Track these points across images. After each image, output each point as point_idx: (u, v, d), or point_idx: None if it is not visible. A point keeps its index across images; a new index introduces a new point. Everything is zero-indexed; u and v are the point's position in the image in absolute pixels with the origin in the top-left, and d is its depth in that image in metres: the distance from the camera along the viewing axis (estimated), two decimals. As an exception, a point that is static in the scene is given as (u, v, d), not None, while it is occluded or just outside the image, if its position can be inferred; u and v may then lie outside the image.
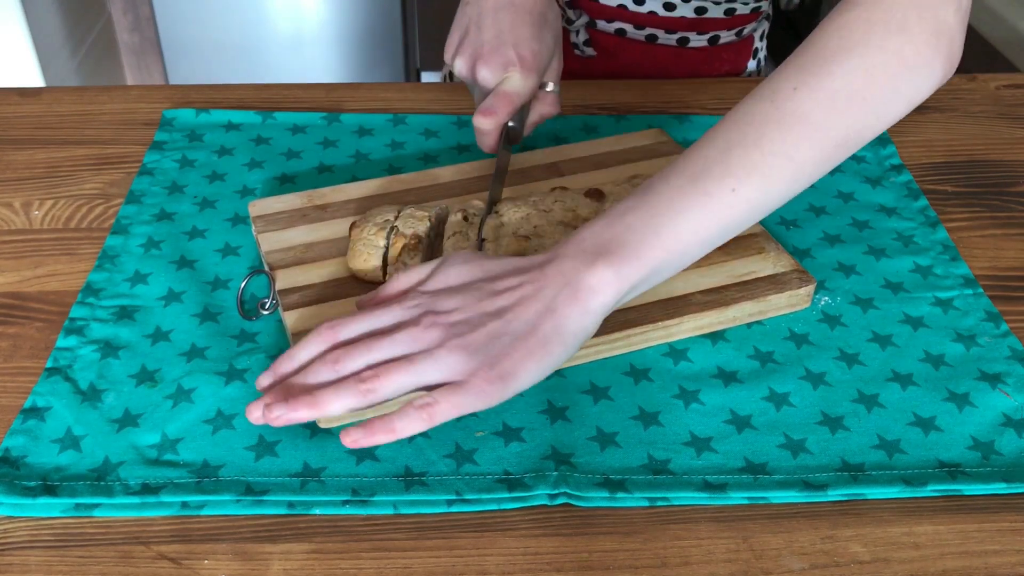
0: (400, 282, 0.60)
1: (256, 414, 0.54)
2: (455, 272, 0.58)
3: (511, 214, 0.69)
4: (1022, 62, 1.58)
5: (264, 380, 0.57)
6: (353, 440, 0.53)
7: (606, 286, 0.55)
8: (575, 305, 0.55)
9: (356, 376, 0.54)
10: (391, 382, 0.53)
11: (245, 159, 0.84)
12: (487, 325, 0.54)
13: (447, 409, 0.53)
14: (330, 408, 0.54)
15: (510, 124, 0.76)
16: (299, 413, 0.54)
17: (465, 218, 0.68)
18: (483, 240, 0.68)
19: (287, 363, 0.57)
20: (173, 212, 0.77)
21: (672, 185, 0.57)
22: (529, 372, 0.54)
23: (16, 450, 0.58)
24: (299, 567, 0.52)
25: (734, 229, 0.58)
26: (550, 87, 0.80)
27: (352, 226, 0.69)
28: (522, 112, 0.77)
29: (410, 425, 0.53)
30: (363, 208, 0.74)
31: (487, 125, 0.74)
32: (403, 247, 0.66)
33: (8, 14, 2.02)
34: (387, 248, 0.67)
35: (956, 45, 0.60)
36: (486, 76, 0.75)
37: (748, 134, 0.57)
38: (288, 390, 0.55)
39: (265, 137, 0.87)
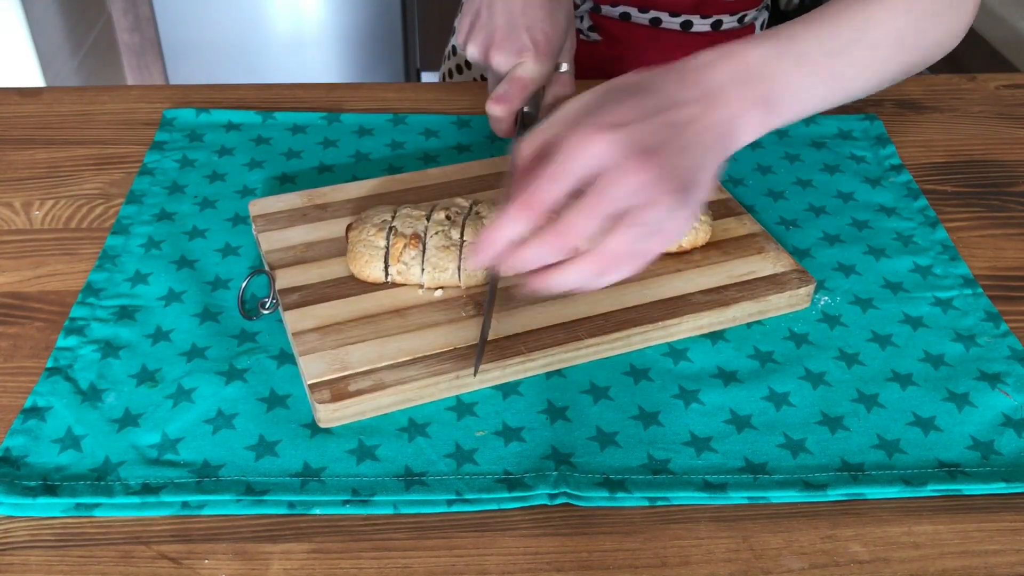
0: (558, 118, 0.56)
1: (534, 278, 0.54)
2: (620, 92, 0.57)
3: (492, 214, 0.69)
4: (1022, 62, 1.58)
5: (475, 262, 0.54)
6: (602, 281, 0.53)
7: (753, 132, 0.59)
8: (731, 141, 0.57)
9: (594, 254, 0.53)
10: (626, 243, 0.53)
11: (245, 159, 0.84)
12: (690, 154, 0.54)
13: (656, 247, 0.54)
14: (611, 275, 0.54)
15: (525, 109, 0.75)
16: (547, 282, 0.54)
17: (448, 217, 0.68)
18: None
19: (493, 241, 0.54)
20: (173, 212, 0.77)
21: (816, 53, 0.61)
22: (708, 190, 0.56)
23: (16, 450, 0.58)
24: (299, 567, 0.52)
25: (854, 93, 0.65)
26: (564, 68, 0.78)
27: (349, 228, 0.69)
28: (537, 95, 0.76)
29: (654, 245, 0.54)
30: (363, 208, 0.74)
31: (501, 112, 0.73)
32: (403, 246, 0.67)
33: (8, 14, 2.02)
34: (387, 248, 0.67)
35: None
36: (500, 62, 0.75)
37: (877, 19, 0.63)
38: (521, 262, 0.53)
39: (265, 137, 0.87)
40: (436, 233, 0.67)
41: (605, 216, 0.52)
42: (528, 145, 0.56)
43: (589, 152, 0.52)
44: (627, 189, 0.52)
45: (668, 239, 0.54)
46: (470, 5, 0.78)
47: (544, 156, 0.54)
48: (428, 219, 0.68)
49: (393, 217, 0.68)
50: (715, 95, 0.57)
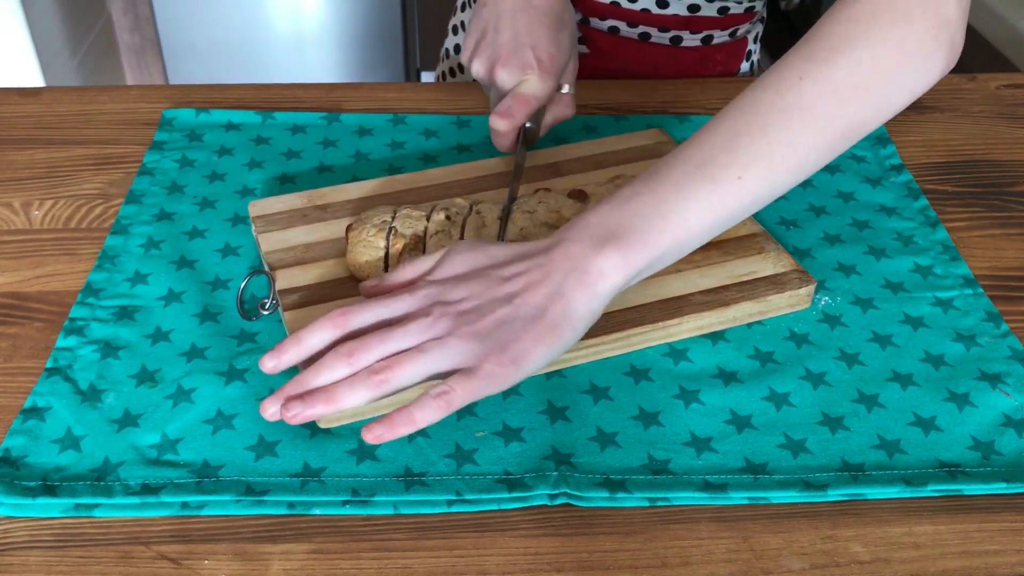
0: (406, 272, 0.60)
1: (272, 410, 0.55)
2: (461, 260, 0.59)
3: (493, 215, 0.69)
4: (1022, 62, 1.58)
5: (269, 362, 0.57)
6: (376, 436, 0.53)
7: (614, 270, 0.56)
8: (583, 289, 0.56)
9: (368, 368, 0.54)
10: (404, 372, 0.54)
11: (245, 159, 0.84)
12: (496, 311, 0.55)
13: (463, 395, 0.54)
14: (346, 402, 0.54)
15: (527, 125, 0.77)
16: (316, 409, 0.54)
17: (447, 217, 0.68)
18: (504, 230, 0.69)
19: (294, 347, 0.57)
20: (173, 212, 0.77)
21: (678, 172, 0.58)
22: (540, 355, 0.55)
23: (16, 450, 0.58)
24: (299, 567, 0.52)
25: (738, 216, 0.59)
26: (566, 89, 0.80)
27: (348, 228, 0.69)
28: (538, 113, 0.77)
29: (429, 414, 0.53)
30: (363, 208, 0.74)
31: (505, 127, 0.75)
32: (404, 247, 0.66)
33: (8, 14, 2.02)
34: (387, 249, 0.67)
35: (958, 38, 0.61)
36: (504, 78, 0.76)
37: (753, 123, 0.58)
38: (300, 386, 0.55)
39: (265, 137, 0.87)
40: (436, 234, 0.67)
41: (390, 342, 0.55)
42: (374, 283, 0.61)
43: (402, 299, 0.57)
44: (411, 326, 0.55)
45: (470, 376, 0.54)
46: (476, 24, 0.79)
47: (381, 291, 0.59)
48: (428, 220, 0.68)
49: (393, 218, 0.68)
50: (549, 260, 0.57)
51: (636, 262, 0.56)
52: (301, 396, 0.54)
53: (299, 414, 0.54)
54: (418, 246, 0.67)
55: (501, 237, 0.68)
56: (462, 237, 0.67)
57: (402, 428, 0.53)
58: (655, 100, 0.93)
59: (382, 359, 0.55)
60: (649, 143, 0.83)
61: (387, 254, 0.67)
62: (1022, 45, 1.62)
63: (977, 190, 0.82)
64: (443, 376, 0.55)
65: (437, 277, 0.58)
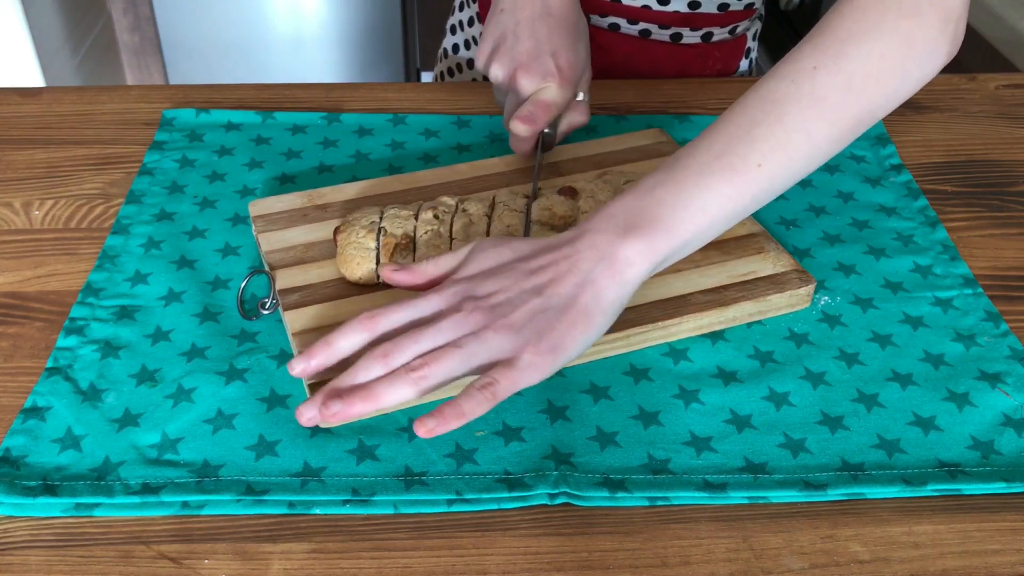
0: (428, 268, 0.61)
1: (310, 414, 0.55)
2: (486, 256, 0.59)
3: (480, 212, 0.69)
4: (1022, 62, 1.58)
5: (297, 366, 0.57)
6: (429, 429, 0.53)
7: (639, 257, 0.57)
8: (612, 277, 0.57)
9: (406, 367, 0.55)
10: (442, 368, 0.54)
11: (245, 159, 0.84)
12: (529, 303, 0.56)
13: (506, 385, 0.54)
14: (386, 400, 0.54)
15: (545, 131, 0.78)
16: (355, 408, 0.54)
17: (436, 216, 0.68)
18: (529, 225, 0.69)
19: (323, 351, 0.57)
20: (173, 212, 0.77)
21: (698, 161, 0.59)
22: (576, 342, 0.56)
23: (16, 450, 0.58)
24: (299, 567, 0.52)
25: (758, 203, 0.60)
26: (581, 96, 0.81)
27: (336, 231, 0.69)
28: (555, 119, 0.79)
29: (477, 407, 0.54)
30: (363, 208, 0.74)
31: (527, 132, 0.75)
32: (395, 247, 0.66)
33: (8, 14, 2.01)
34: (378, 250, 0.67)
35: (960, 29, 0.63)
36: (526, 85, 0.77)
37: (770, 112, 0.59)
38: (338, 388, 0.55)
39: (265, 137, 0.87)
40: (426, 232, 0.67)
41: (424, 340, 0.55)
42: (396, 269, 0.62)
43: (432, 299, 0.57)
44: (444, 323, 0.55)
45: (513, 368, 0.54)
46: (492, 30, 0.80)
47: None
48: (416, 219, 0.68)
49: (381, 218, 0.68)
50: (574, 252, 0.57)
51: (661, 249, 0.57)
52: (339, 394, 0.55)
53: (339, 412, 0.54)
54: (409, 246, 0.67)
55: (526, 233, 0.68)
56: (451, 235, 0.67)
57: (453, 421, 0.53)
58: (655, 100, 0.93)
59: (418, 356, 0.55)
60: (649, 143, 0.83)
61: (378, 255, 0.67)
62: (1022, 45, 1.62)
63: (977, 190, 0.82)
64: (478, 371, 0.55)
65: (464, 275, 0.59)
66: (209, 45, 2.62)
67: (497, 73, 0.79)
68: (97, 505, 0.55)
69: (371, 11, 2.60)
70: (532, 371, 0.55)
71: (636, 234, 0.57)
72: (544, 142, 0.78)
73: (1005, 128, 0.91)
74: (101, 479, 0.56)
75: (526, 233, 0.69)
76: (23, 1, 2.02)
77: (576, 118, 0.81)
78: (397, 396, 0.54)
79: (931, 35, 0.61)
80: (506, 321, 0.55)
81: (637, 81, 0.97)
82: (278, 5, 2.57)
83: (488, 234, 0.68)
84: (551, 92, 0.77)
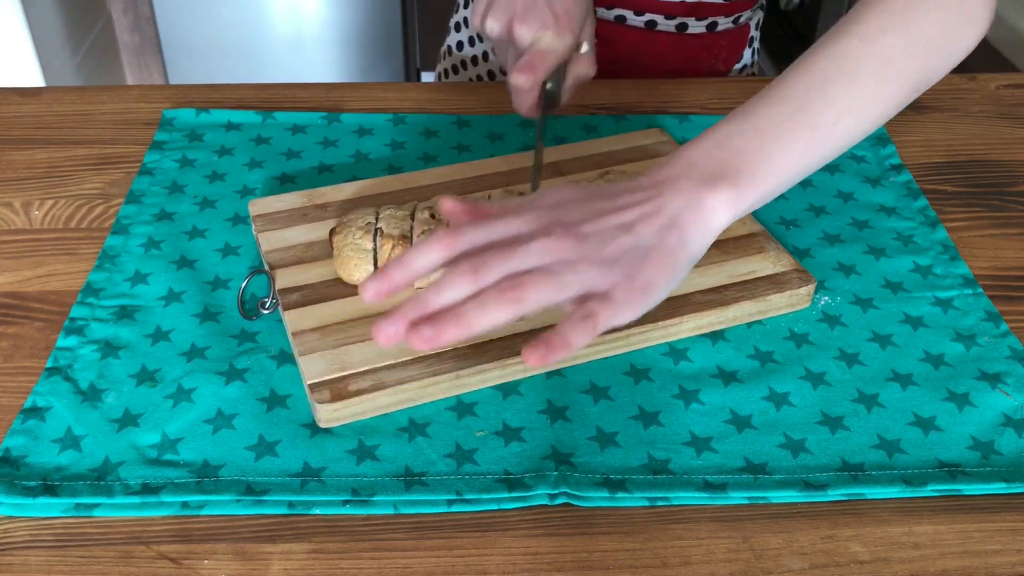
0: (495, 206, 0.57)
1: (391, 330, 0.50)
2: (563, 192, 0.57)
3: None
4: (1022, 62, 1.58)
5: (371, 287, 0.52)
6: (541, 356, 0.50)
7: (724, 207, 0.56)
8: (697, 223, 0.56)
9: (496, 287, 0.51)
10: (537, 293, 0.51)
11: (245, 159, 0.84)
12: (619, 239, 0.54)
13: (604, 320, 0.52)
14: (479, 325, 0.50)
15: (548, 86, 0.74)
16: (447, 335, 0.50)
17: (432, 216, 0.68)
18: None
19: (399, 270, 0.52)
20: (173, 212, 0.77)
21: (777, 113, 0.59)
22: (663, 284, 0.54)
23: (16, 450, 0.58)
24: (299, 567, 0.52)
25: (828, 159, 0.61)
26: (585, 48, 0.78)
27: (332, 232, 0.68)
28: (558, 75, 0.76)
29: (581, 337, 0.51)
30: (363, 208, 0.74)
31: (526, 82, 0.73)
32: (392, 247, 0.66)
33: (8, 14, 2.01)
34: (375, 251, 0.67)
35: (995, 5, 0.67)
36: (523, 34, 0.74)
37: (844, 69, 0.60)
38: (420, 307, 0.51)
39: (265, 137, 0.87)
40: (423, 232, 0.67)
41: (514, 260, 0.52)
42: (458, 203, 0.57)
43: (514, 219, 0.54)
44: (534, 246, 0.52)
45: (609, 302, 0.52)
46: None
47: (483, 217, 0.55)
48: (412, 219, 0.68)
49: (377, 219, 0.68)
50: (659, 194, 0.56)
51: (745, 201, 0.57)
52: (428, 319, 0.50)
53: (432, 337, 0.49)
54: (406, 246, 0.67)
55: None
56: None
57: (561, 350, 0.50)
58: (655, 100, 0.93)
59: (507, 278, 0.51)
60: (649, 143, 0.83)
61: (375, 255, 0.66)
62: (1022, 45, 1.62)
63: (977, 190, 0.82)
64: (566, 304, 0.53)
65: (544, 203, 0.55)
66: (209, 45, 2.62)
67: (493, 27, 0.76)
68: (97, 505, 0.55)
69: (371, 11, 2.60)
70: (626, 309, 0.53)
71: (723, 184, 0.56)
72: (548, 99, 0.75)
73: (1005, 128, 0.91)
74: (101, 479, 0.56)
75: None
76: (23, 1, 2.02)
77: (582, 70, 0.78)
78: (491, 319, 0.50)
79: (979, 8, 0.64)
80: (600, 256, 0.53)
81: (637, 81, 0.97)
82: (278, 5, 2.57)
83: None
84: (548, 40, 0.74)
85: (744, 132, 0.58)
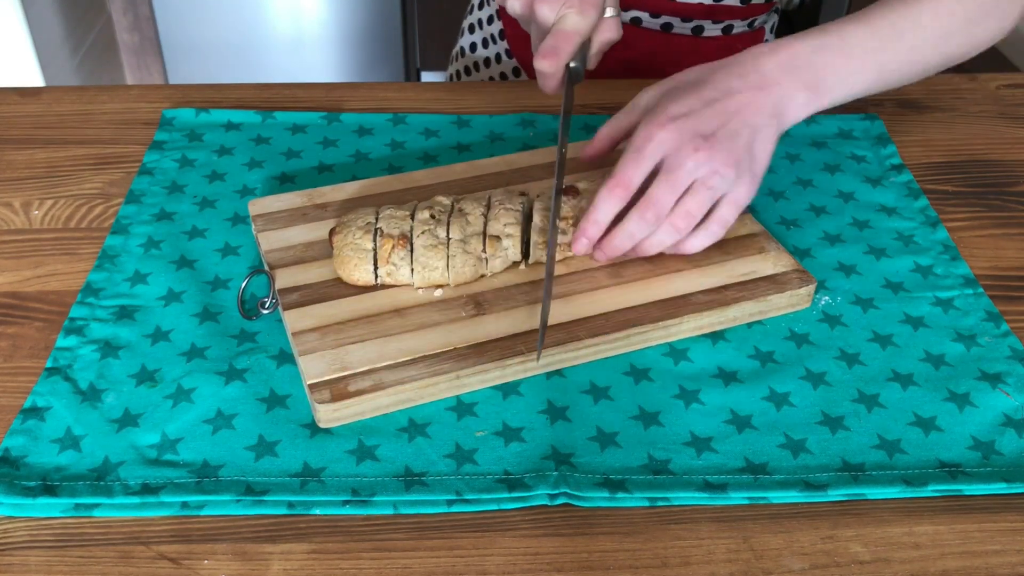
0: (611, 132, 0.74)
1: (582, 244, 0.68)
2: (682, 98, 0.67)
3: (476, 212, 0.69)
4: (1022, 62, 1.58)
5: (582, 239, 0.67)
6: (694, 245, 0.69)
7: (801, 110, 0.69)
8: (788, 114, 0.68)
9: (669, 218, 0.66)
10: (703, 208, 0.66)
11: (245, 159, 0.84)
12: (742, 134, 0.66)
13: (732, 215, 0.67)
14: (657, 246, 0.67)
15: (571, 64, 0.73)
16: (626, 251, 0.68)
17: (432, 216, 0.68)
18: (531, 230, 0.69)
19: (593, 228, 0.66)
20: (173, 212, 0.77)
21: (863, 36, 0.70)
22: (766, 165, 0.68)
23: (16, 450, 0.58)
24: (299, 567, 0.52)
25: (895, 83, 0.73)
26: (609, 12, 0.76)
27: (332, 233, 0.68)
28: (583, 48, 0.74)
29: (714, 236, 0.68)
30: (362, 208, 0.74)
31: (550, 67, 0.72)
32: (392, 247, 0.66)
33: (8, 14, 2.01)
34: (375, 251, 0.66)
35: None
36: (545, 13, 0.73)
37: (927, 8, 0.71)
38: (606, 242, 0.67)
39: (265, 137, 0.87)
40: (423, 232, 0.67)
41: (681, 187, 0.65)
42: (605, 132, 0.74)
43: (656, 140, 0.65)
44: (691, 165, 0.64)
45: (736, 203, 0.67)
46: None
47: (616, 143, 0.74)
48: (412, 219, 0.68)
49: (377, 219, 0.68)
50: (764, 82, 0.67)
51: (819, 106, 0.69)
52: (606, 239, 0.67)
53: (611, 251, 0.67)
54: (406, 246, 0.67)
55: (555, 215, 0.67)
56: (448, 235, 0.67)
57: (708, 239, 0.68)
58: (655, 100, 0.93)
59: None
60: (649, 143, 0.82)
61: (375, 255, 0.66)
62: (1022, 45, 1.62)
63: (977, 190, 0.82)
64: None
65: (671, 114, 0.66)
66: (209, 45, 2.62)
67: (515, 6, 0.75)
68: (97, 505, 0.55)
69: (371, 11, 2.60)
70: (748, 196, 0.67)
71: (809, 92, 0.68)
72: (572, 77, 0.73)
73: (1005, 128, 0.90)
74: (101, 479, 0.56)
75: (526, 234, 0.69)
76: (23, 1, 2.02)
77: (607, 35, 0.76)
78: (668, 239, 0.67)
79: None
80: (735, 157, 0.65)
81: (637, 81, 0.96)
82: (278, 5, 2.57)
83: (485, 234, 0.67)
84: (572, 20, 0.72)
85: (830, 48, 0.69)
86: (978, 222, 0.78)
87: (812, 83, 0.68)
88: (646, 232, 0.66)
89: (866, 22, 0.70)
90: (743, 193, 0.66)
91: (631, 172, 0.65)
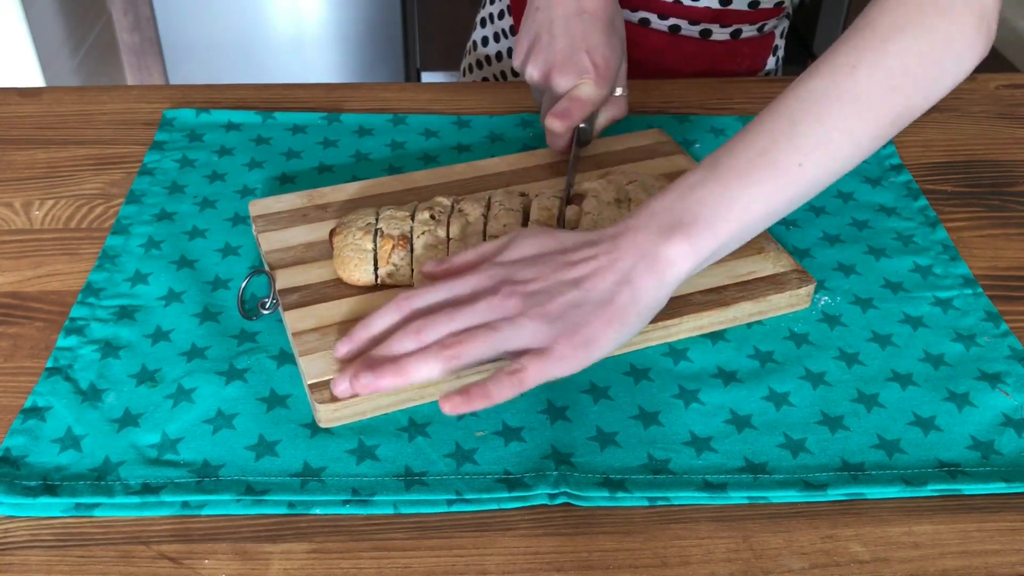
0: (468, 255, 0.62)
1: (343, 386, 0.58)
2: (527, 244, 0.60)
3: (476, 213, 0.69)
4: (1022, 62, 1.58)
5: (343, 348, 0.59)
6: (453, 406, 0.55)
7: (682, 259, 0.57)
8: (651, 276, 0.57)
9: (439, 343, 0.56)
10: (474, 348, 0.55)
11: (245, 159, 0.84)
12: (566, 294, 0.56)
13: (535, 375, 0.55)
14: (416, 375, 0.56)
15: (581, 126, 0.78)
16: (385, 381, 0.56)
17: (432, 216, 0.68)
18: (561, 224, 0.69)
19: (363, 331, 0.59)
20: (173, 212, 0.77)
21: (741, 159, 0.59)
22: (609, 340, 0.56)
23: (16, 450, 0.58)
24: (299, 567, 0.52)
25: (798, 202, 0.60)
26: (619, 91, 0.81)
27: (333, 233, 0.68)
28: (592, 116, 0.79)
29: (503, 391, 0.55)
30: (363, 208, 0.74)
31: (562, 128, 0.76)
32: (392, 248, 0.66)
33: (8, 14, 2.02)
34: (375, 251, 0.67)
35: (993, 27, 0.63)
36: (561, 83, 0.77)
37: (811, 110, 0.59)
38: (370, 360, 0.57)
39: (265, 137, 0.87)
40: (423, 233, 0.67)
41: (464, 324, 0.56)
42: (436, 265, 0.63)
43: (485, 293, 0.57)
44: (495, 313, 0.56)
45: (541, 363, 0.55)
46: (528, 29, 0.80)
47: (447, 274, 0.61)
48: (412, 219, 0.68)
49: (377, 219, 0.68)
50: (622, 244, 0.58)
51: (703, 250, 0.57)
52: (370, 366, 0.56)
53: (369, 384, 0.56)
54: (406, 246, 0.67)
55: (561, 225, 0.68)
56: (447, 236, 0.67)
57: (479, 401, 0.55)
58: (655, 100, 0.93)
59: (452, 335, 0.56)
60: (649, 143, 0.83)
61: (375, 256, 0.66)
62: (1022, 45, 1.62)
63: (977, 190, 0.82)
64: (509, 357, 0.56)
65: (504, 259, 0.59)
66: (209, 45, 2.62)
67: (532, 73, 0.79)
68: (97, 505, 0.55)
69: (371, 11, 2.60)
70: (563, 363, 0.55)
71: (679, 234, 0.57)
72: (580, 138, 0.78)
73: (1005, 128, 0.91)
74: (101, 479, 0.56)
75: (561, 225, 0.69)
76: (23, 1, 2.02)
77: (615, 112, 0.81)
78: (426, 372, 0.55)
79: (967, 33, 0.61)
80: (542, 310, 0.56)
81: (637, 81, 0.97)
82: (278, 5, 2.57)
83: (485, 234, 0.68)
84: (587, 89, 0.77)
85: (706, 181, 0.58)
86: (977, 222, 0.79)
87: (679, 226, 0.57)
88: (403, 347, 0.57)
89: (742, 136, 0.60)
90: (557, 354, 0.55)
91: (421, 297, 0.59)
